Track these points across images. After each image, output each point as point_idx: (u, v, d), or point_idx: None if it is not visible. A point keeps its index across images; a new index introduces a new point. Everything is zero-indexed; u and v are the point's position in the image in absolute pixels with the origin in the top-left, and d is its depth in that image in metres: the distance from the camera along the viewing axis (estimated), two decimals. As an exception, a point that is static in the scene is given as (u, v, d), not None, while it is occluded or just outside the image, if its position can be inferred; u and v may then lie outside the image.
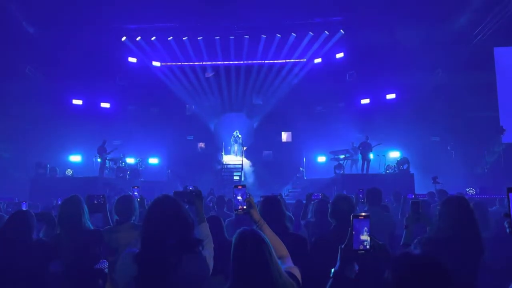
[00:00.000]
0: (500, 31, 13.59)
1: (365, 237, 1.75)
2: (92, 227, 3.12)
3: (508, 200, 1.51)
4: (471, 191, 11.83)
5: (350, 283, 1.78)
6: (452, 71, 13.78)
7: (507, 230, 1.70)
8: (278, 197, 6.62)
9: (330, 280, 1.80)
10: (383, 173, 13.80)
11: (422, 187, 11.66)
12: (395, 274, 1.37)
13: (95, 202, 3.45)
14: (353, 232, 1.76)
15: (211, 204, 6.73)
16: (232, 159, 17.34)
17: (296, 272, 1.97)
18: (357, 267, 1.83)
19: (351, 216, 1.77)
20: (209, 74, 16.89)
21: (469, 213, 2.59)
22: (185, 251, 1.93)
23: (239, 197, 2.21)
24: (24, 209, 3.73)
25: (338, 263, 1.81)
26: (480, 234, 2.56)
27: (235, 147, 17.50)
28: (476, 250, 2.50)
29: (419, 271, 1.33)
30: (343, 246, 1.80)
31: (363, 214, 1.78)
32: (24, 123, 14.07)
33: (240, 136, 17.40)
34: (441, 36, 13.68)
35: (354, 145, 14.55)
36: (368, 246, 1.74)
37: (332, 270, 1.84)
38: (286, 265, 2.03)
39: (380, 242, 1.82)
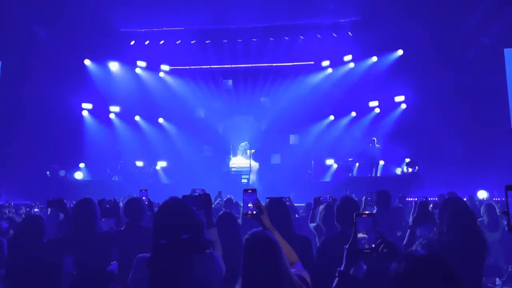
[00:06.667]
0: (510, 32, 13.42)
1: (369, 235, 1.73)
2: (103, 230, 3.15)
3: (506, 198, 1.50)
4: (483, 194, 11.66)
5: (355, 283, 1.77)
6: (461, 73, 13.64)
7: (506, 228, 1.69)
8: (287, 199, 6.64)
9: (336, 280, 1.80)
10: (393, 175, 13.68)
11: (432, 189, 11.52)
12: (401, 273, 1.34)
13: (107, 206, 3.49)
14: (357, 231, 1.74)
15: (218, 207, 6.72)
16: (240, 162, 17.34)
17: (306, 275, 1.97)
18: (364, 267, 1.81)
19: (354, 215, 1.76)
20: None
21: (467, 214, 2.54)
22: (196, 252, 1.93)
23: (249, 203, 2.19)
24: (35, 212, 3.79)
25: (343, 263, 1.80)
26: (481, 234, 2.51)
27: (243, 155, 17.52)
28: (479, 251, 2.46)
29: (426, 270, 1.29)
30: (347, 246, 1.80)
31: (367, 212, 1.76)
32: (35, 126, 14.25)
33: (248, 148, 17.34)
34: (450, 37, 13.55)
35: (363, 148, 14.46)
36: (373, 245, 1.72)
37: (338, 270, 1.83)
38: (296, 269, 2.03)
39: (389, 240, 1.80)
